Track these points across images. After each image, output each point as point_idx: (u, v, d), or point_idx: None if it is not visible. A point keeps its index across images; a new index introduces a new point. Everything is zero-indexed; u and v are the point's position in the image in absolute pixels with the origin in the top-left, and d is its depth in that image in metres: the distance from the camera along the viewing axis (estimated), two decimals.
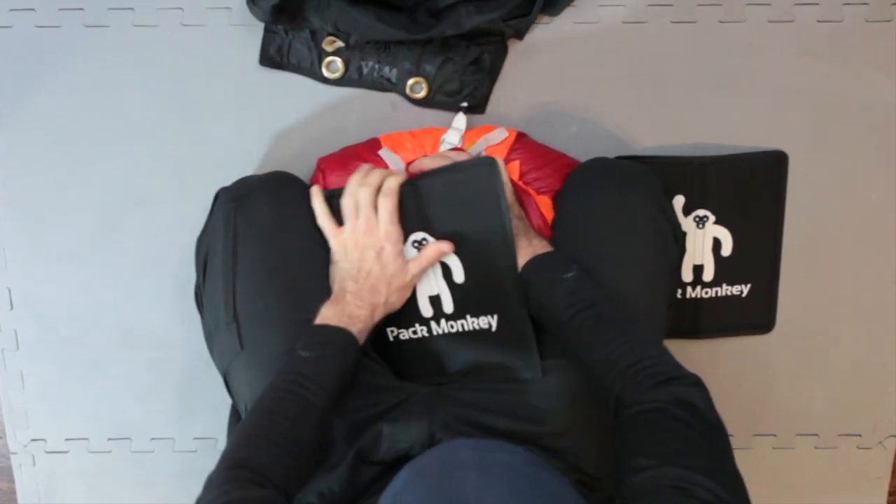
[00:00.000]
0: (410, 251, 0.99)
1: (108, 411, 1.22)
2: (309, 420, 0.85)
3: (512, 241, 0.97)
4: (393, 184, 0.98)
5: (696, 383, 0.80)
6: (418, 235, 0.99)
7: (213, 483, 0.77)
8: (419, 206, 0.99)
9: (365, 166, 1.03)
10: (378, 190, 0.98)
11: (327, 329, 0.93)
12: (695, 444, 0.73)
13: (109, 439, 1.23)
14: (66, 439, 1.23)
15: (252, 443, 0.81)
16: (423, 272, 0.99)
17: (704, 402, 0.78)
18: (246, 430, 0.84)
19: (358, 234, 0.97)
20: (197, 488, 0.76)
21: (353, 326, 0.94)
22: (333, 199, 1.01)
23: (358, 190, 0.98)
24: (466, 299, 1.01)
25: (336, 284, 0.98)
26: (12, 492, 1.25)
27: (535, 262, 0.96)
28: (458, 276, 1.00)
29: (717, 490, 0.67)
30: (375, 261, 0.96)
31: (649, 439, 0.74)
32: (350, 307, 0.95)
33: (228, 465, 0.78)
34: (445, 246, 0.98)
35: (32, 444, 1.23)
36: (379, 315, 0.98)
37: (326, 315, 0.94)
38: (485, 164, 0.98)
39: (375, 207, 0.97)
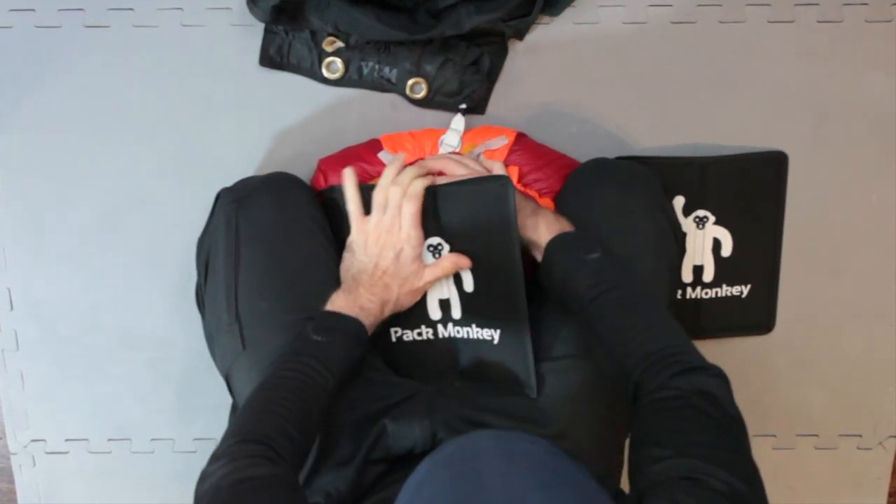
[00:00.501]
0: (426, 255, 0.99)
1: (108, 412, 1.22)
2: (318, 403, 0.85)
3: (519, 264, 0.97)
4: (418, 188, 0.97)
5: (718, 375, 0.79)
6: (434, 240, 1.00)
7: (223, 456, 0.76)
8: (436, 212, 0.99)
9: (398, 158, 1.02)
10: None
11: (340, 317, 0.93)
12: (712, 435, 0.73)
13: (109, 440, 1.23)
14: (66, 440, 1.23)
15: (264, 418, 0.81)
16: (436, 280, 0.99)
17: (725, 393, 0.78)
18: (257, 404, 0.84)
19: (381, 230, 0.97)
20: None
21: (365, 319, 0.94)
22: (366, 192, 1.01)
23: (390, 187, 0.98)
24: (473, 308, 1.01)
25: (348, 274, 0.98)
26: (12, 492, 1.25)
27: (561, 239, 0.95)
28: (468, 285, 1.01)
29: (733, 482, 0.66)
30: (393, 260, 0.97)
31: (666, 428, 0.74)
32: (363, 299, 0.95)
33: (241, 439, 0.78)
34: (463, 261, 0.98)
35: (32, 444, 1.23)
36: (388, 311, 0.98)
37: (339, 303, 0.95)
38: (499, 184, 0.97)
39: (399, 206, 0.97)
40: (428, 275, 0.98)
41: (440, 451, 0.60)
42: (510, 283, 0.98)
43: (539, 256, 0.96)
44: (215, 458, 0.77)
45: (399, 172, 0.99)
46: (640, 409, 0.78)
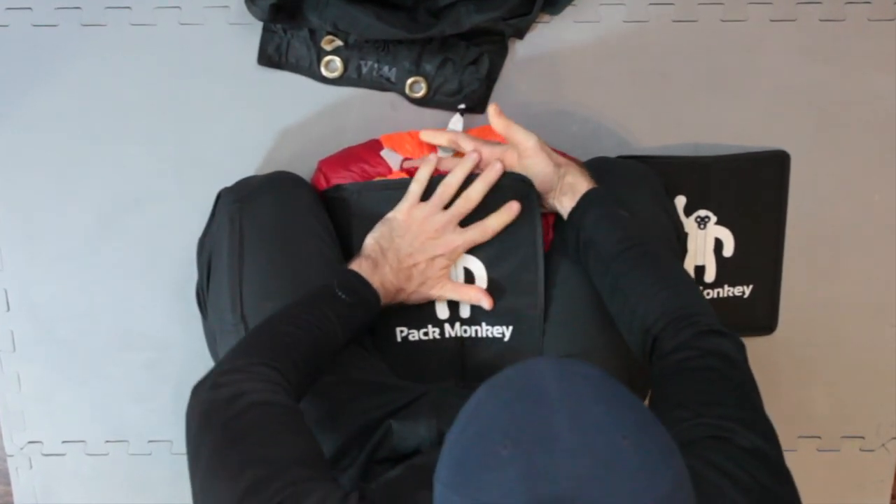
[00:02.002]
0: None
1: (106, 413, 1.21)
2: (325, 357, 0.87)
3: (542, 262, 0.99)
4: (496, 226, 0.98)
5: (737, 341, 0.81)
6: None
7: (240, 371, 0.77)
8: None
9: (470, 158, 1.01)
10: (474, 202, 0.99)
11: (366, 283, 0.93)
12: (732, 396, 0.75)
13: (107, 442, 1.22)
14: (63, 442, 1.22)
15: (279, 350, 0.82)
16: (453, 298, 1.01)
17: (742, 357, 0.80)
18: (272, 336, 0.85)
19: (429, 225, 0.98)
20: None
21: (382, 296, 0.95)
22: (369, 191, 1.02)
23: (460, 197, 0.98)
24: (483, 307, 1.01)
25: (377, 245, 0.98)
26: (9, 494, 1.25)
27: (599, 191, 0.97)
28: (482, 283, 1.01)
29: (755, 439, 0.69)
30: (426, 260, 0.97)
31: (689, 390, 0.76)
32: (385, 277, 0.96)
33: (257, 361, 0.79)
34: (487, 301, 0.99)
35: (29, 446, 1.22)
36: (398, 300, 0.98)
37: (364, 270, 0.95)
38: (523, 185, 0.99)
39: (459, 216, 0.98)
40: (447, 291, 0.99)
41: (496, 377, 0.60)
42: (530, 280, 0.99)
43: (569, 203, 0.97)
44: (230, 370, 0.78)
45: (469, 170, 0.99)
46: (662, 369, 0.80)
